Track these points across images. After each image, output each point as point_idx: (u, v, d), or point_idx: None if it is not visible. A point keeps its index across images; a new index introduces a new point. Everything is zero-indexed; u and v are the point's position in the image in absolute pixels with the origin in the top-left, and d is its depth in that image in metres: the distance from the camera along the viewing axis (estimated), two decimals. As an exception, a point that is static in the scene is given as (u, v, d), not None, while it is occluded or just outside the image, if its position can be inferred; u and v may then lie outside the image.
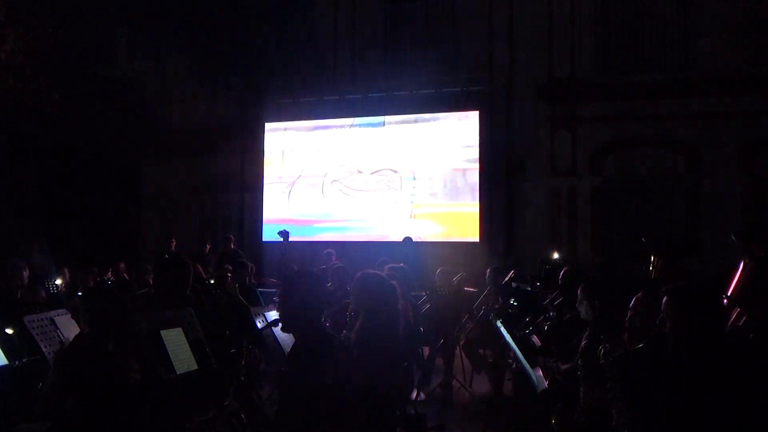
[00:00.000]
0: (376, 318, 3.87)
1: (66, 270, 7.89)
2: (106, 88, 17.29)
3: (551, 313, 5.81)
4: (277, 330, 3.99)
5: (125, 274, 8.72)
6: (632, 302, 3.50)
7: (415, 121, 12.55)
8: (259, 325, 4.47)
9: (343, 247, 12.33)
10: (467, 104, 12.16)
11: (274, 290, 7.67)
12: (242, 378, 4.18)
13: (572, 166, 12.25)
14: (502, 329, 4.79)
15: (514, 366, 5.41)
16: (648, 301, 3.37)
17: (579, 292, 4.25)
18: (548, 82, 12.37)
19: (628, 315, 3.49)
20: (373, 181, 12.70)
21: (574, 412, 3.31)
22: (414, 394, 5.01)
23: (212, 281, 7.72)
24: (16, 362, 4.08)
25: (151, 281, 6.56)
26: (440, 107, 12.26)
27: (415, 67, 13.63)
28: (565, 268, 7.56)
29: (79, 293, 6.58)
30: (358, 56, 14.01)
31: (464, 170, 12.12)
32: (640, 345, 2.96)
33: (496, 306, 6.97)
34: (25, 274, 6.04)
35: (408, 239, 11.19)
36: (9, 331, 4.20)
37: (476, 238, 12.00)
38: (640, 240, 5.01)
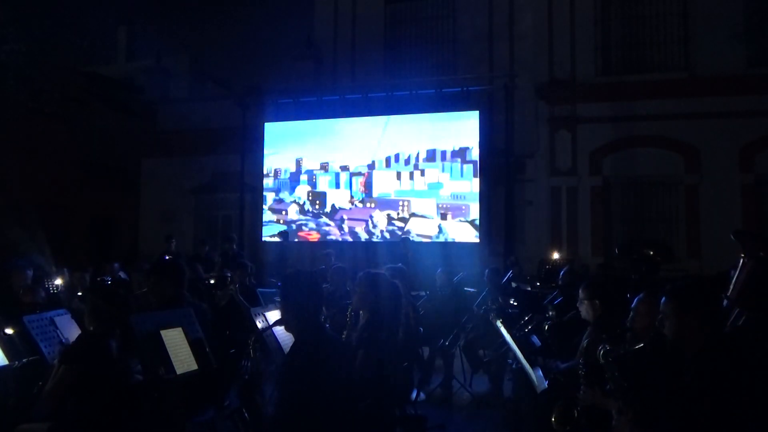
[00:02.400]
0: (381, 316, 3.87)
1: (65, 270, 7.87)
2: (106, 88, 17.30)
3: (551, 313, 5.81)
4: (277, 330, 3.99)
5: (121, 274, 8.69)
6: (634, 302, 3.50)
7: (415, 121, 12.55)
8: (259, 325, 4.47)
9: (342, 247, 12.35)
10: (467, 104, 12.15)
11: (275, 290, 7.66)
12: (246, 377, 4.18)
13: (572, 166, 12.26)
14: (502, 329, 4.78)
15: (514, 366, 5.40)
16: (650, 301, 3.37)
17: (579, 292, 4.25)
18: (548, 82, 12.38)
19: (630, 315, 3.49)
20: (373, 180, 12.70)
21: (574, 411, 3.31)
22: (414, 394, 5.00)
23: (212, 281, 7.71)
24: (16, 362, 4.08)
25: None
26: (440, 107, 12.26)
27: (415, 67, 13.64)
28: (565, 268, 7.57)
29: (79, 294, 6.57)
30: (358, 56, 14.01)
31: (464, 170, 12.11)
32: (640, 345, 2.96)
33: (494, 306, 6.96)
34: (29, 273, 6.05)
35: (405, 239, 11.20)
36: (9, 331, 4.20)
37: (476, 238, 12.00)
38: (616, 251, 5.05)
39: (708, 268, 10.11)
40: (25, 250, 10.28)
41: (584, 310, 4.19)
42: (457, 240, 12.00)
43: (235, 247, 11.20)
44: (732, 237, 3.97)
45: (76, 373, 3.28)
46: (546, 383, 4.15)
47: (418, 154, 12.42)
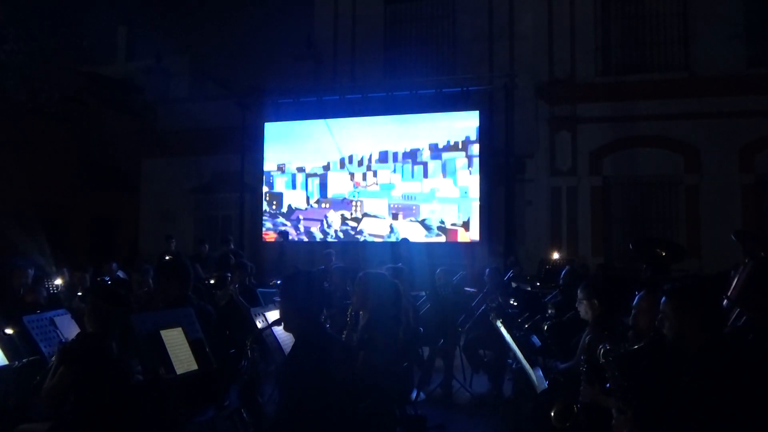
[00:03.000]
0: (381, 317, 3.87)
1: (65, 270, 7.88)
2: (106, 88, 17.32)
3: (550, 312, 5.82)
4: (277, 330, 3.99)
5: (119, 274, 8.70)
6: (635, 301, 3.50)
7: (415, 121, 12.55)
8: (259, 325, 4.47)
9: (342, 247, 12.35)
10: (467, 104, 12.15)
11: (275, 290, 7.66)
12: (246, 377, 4.19)
13: (572, 166, 12.25)
14: (502, 329, 4.78)
15: (514, 366, 5.40)
16: (651, 300, 3.37)
17: (579, 291, 4.25)
18: (548, 82, 12.38)
19: (632, 314, 3.50)
20: (373, 181, 12.71)
21: (574, 408, 3.31)
22: (414, 394, 5.01)
23: (212, 281, 7.72)
24: (16, 362, 4.08)
25: (151, 282, 6.57)
26: (440, 107, 12.26)
27: (415, 67, 13.63)
28: (565, 269, 7.57)
29: (79, 294, 6.58)
30: (357, 56, 14.01)
31: (464, 170, 12.12)
32: (640, 344, 2.96)
33: (494, 306, 6.96)
34: (30, 273, 6.06)
35: (405, 240, 11.20)
36: (9, 331, 4.20)
37: (476, 238, 11.99)
38: (630, 247, 5.04)
39: (708, 268, 10.10)
40: (25, 250, 10.29)
41: (583, 309, 4.20)
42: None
43: (232, 246, 11.20)
44: (732, 237, 3.97)
45: (75, 373, 3.28)
46: (546, 383, 4.15)
47: (370, 156, 12.64)
